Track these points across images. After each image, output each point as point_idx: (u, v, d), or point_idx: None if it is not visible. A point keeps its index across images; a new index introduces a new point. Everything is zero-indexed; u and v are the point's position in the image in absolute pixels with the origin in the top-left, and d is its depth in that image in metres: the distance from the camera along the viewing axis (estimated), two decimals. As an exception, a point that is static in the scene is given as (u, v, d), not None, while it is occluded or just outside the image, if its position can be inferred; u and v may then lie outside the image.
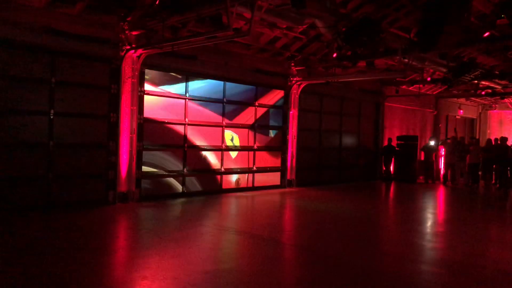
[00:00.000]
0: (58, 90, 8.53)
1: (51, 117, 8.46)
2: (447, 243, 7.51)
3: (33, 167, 8.27)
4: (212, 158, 11.41)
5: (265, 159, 12.79)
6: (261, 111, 12.57)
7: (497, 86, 15.55)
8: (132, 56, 9.36)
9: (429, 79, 15.32)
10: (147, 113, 9.91)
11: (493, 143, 15.99)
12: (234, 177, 11.96)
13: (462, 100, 20.82)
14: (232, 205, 10.36)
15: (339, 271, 5.53)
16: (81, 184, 8.92)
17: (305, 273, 5.58)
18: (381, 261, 6.12)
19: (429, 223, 9.43)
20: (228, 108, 11.69)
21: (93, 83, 9.07)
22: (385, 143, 16.72)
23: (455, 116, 21.42)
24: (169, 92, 10.43)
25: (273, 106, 12.95)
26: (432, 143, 16.96)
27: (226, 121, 11.61)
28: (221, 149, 11.55)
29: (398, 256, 6.46)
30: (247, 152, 12.25)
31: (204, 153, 11.23)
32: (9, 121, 7.98)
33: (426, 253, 6.76)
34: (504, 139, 15.55)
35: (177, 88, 10.58)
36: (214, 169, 11.43)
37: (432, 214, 10.50)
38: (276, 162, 13.09)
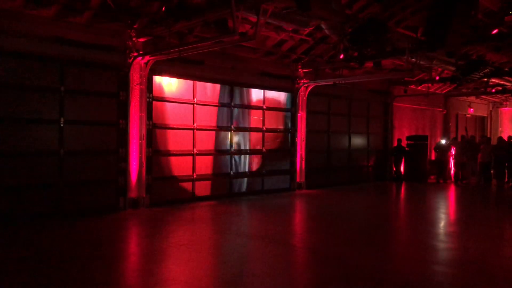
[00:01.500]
0: (67, 99, 8.64)
1: (61, 125, 8.56)
2: (460, 243, 7.43)
3: (44, 175, 8.36)
4: (222, 162, 11.46)
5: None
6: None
7: (507, 83, 15.38)
8: (140, 63, 9.43)
9: (437, 78, 15.20)
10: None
11: (505, 141, 15.80)
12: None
13: (472, 98, 20.61)
14: (243, 209, 10.35)
15: (352, 273, 5.50)
16: (91, 191, 9.00)
17: (316, 275, 5.55)
18: (394, 263, 6.08)
19: (441, 223, 9.33)
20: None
21: (102, 91, 9.16)
22: (395, 143, 16.60)
23: (465, 115, 21.22)
24: (177, 98, 10.49)
25: (281, 109, 12.96)
26: (443, 142, 16.81)
27: (234, 124, 11.64)
28: (230, 153, 11.57)
29: (411, 257, 6.40)
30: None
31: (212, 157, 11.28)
32: (20, 130, 8.08)
33: (439, 253, 6.69)
34: (516, 137, 15.36)
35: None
36: (223, 173, 11.45)
37: (444, 214, 10.39)
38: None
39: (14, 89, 7.99)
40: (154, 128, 9.96)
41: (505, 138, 16.30)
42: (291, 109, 13.17)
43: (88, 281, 5.02)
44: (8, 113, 7.92)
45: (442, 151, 16.48)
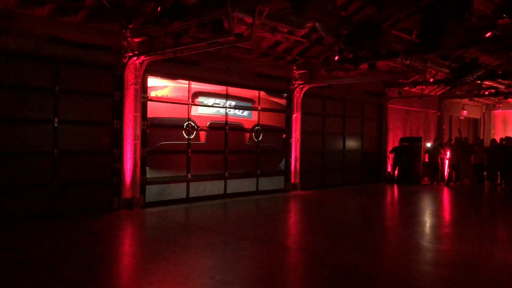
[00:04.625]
0: (62, 98, 8.59)
1: (55, 125, 8.51)
2: (452, 244, 7.47)
3: (37, 175, 8.31)
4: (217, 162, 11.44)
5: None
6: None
7: (500, 86, 15.49)
8: (134, 63, 9.40)
9: (431, 80, 15.29)
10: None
11: (498, 143, 15.91)
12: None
13: (466, 100, 20.75)
14: (237, 209, 10.35)
15: (345, 274, 5.51)
16: (85, 191, 8.95)
17: (309, 277, 5.56)
18: (387, 264, 6.10)
19: (434, 224, 9.37)
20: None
21: (97, 91, 9.11)
22: (389, 144, 16.66)
23: (458, 117, 21.35)
24: (172, 98, 10.48)
25: (275, 110, 12.97)
26: (428, 145, 16.85)
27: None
28: (224, 153, 11.56)
29: (404, 258, 6.43)
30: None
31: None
32: (13, 130, 8.03)
33: (432, 255, 6.72)
34: (509, 139, 15.45)
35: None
36: (218, 174, 11.42)
37: (436, 216, 10.45)
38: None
39: (7, 88, 7.93)
40: (149, 128, 9.94)
41: (498, 140, 16.39)
42: (286, 110, 13.18)
43: (80, 281, 4.99)
44: (1, 113, 7.87)
45: (432, 154, 16.57)
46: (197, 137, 10.98)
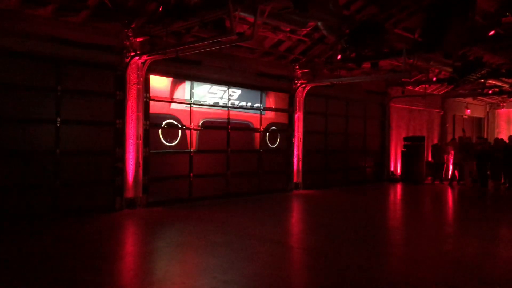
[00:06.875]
0: (64, 98, 8.60)
1: (58, 125, 8.52)
2: (457, 244, 7.43)
3: (40, 174, 8.33)
4: (219, 161, 11.44)
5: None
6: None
7: (504, 85, 15.42)
8: (137, 63, 9.41)
9: (434, 79, 15.22)
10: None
11: (502, 142, 15.83)
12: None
13: (469, 99, 20.65)
14: (239, 209, 10.33)
15: (347, 274, 5.50)
16: (88, 191, 8.96)
17: (314, 277, 5.55)
18: (391, 263, 6.08)
19: (436, 224, 9.33)
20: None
21: (99, 90, 9.13)
22: (391, 143, 16.62)
23: (462, 116, 21.26)
24: (175, 99, 10.48)
25: (279, 110, 12.95)
26: (433, 144, 16.84)
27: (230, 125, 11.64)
28: (226, 152, 11.55)
29: (408, 257, 6.41)
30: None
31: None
32: (16, 129, 8.05)
33: (435, 254, 6.68)
34: (512, 138, 15.38)
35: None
36: (219, 173, 11.42)
37: (439, 215, 10.41)
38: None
39: (10, 88, 7.96)
40: (151, 128, 9.95)
41: (502, 139, 16.31)
42: (288, 110, 13.16)
43: (82, 280, 4.99)
44: (4, 113, 7.89)
45: (437, 154, 16.51)
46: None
